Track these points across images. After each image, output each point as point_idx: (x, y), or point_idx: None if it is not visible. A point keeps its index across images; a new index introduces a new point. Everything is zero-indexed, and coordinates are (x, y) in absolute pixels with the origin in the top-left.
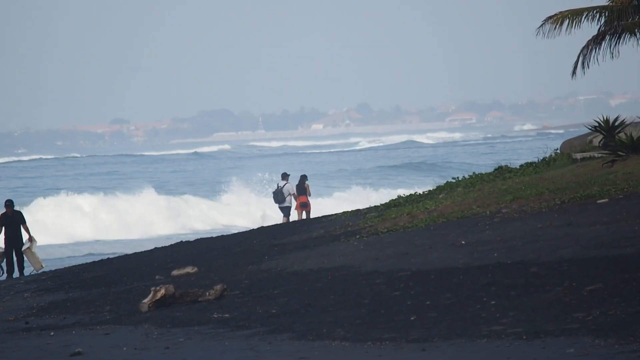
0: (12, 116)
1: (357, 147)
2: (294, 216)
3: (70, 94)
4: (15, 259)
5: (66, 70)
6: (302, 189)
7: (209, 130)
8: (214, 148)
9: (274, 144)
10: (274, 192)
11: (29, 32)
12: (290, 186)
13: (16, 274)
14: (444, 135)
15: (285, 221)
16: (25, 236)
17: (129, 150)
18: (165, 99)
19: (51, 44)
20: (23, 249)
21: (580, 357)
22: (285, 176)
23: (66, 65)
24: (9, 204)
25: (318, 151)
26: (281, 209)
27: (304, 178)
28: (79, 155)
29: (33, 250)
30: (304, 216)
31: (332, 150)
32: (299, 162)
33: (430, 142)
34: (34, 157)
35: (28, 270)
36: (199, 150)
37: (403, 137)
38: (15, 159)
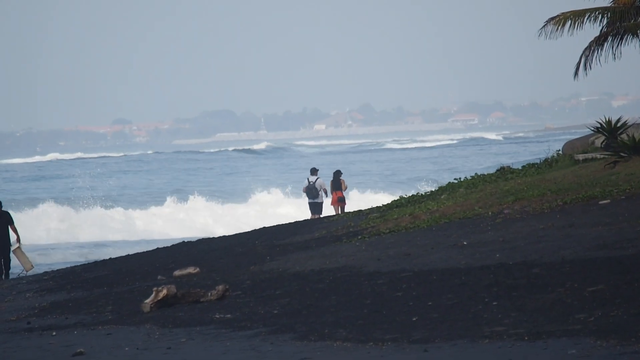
0: (14, 116)
1: (416, 145)
2: (329, 212)
3: (72, 94)
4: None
5: (68, 70)
6: (338, 184)
7: (212, 130)
8: (262, 146)
9: (313, 142)
10: (307, 188)
11: (30, 32)
12: (322, 181)
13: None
14: (506, 133)
15: (315, 217)
16: (13, 237)
17: (137, 149)
18: (167, 100)
19: (52, 44)
20: (13, 249)
21: (582, 358)
22: (314, 171)
23: (68, 65)
24: None
25: (373, 148)
26: (314, 204)
27: (338, 173)
28: (122, 153)
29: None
30: (339, 211)
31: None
32: (381, 160)
33: (499, 138)
34: (103, 154)
35: (17, 270)
36: (250, 147)
37: (453, 136)
38: (91, 155)
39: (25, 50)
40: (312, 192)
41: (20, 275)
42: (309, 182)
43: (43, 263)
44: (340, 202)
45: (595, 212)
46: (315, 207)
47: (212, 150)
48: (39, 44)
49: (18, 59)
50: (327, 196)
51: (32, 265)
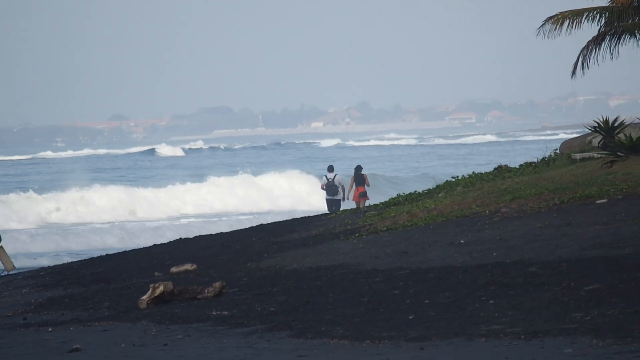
0: (11, 112)
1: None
2: (348, 206)
3: (69, 90)
4: None
5: (65, 66)
6: (361, 179)
7: (209, 127)
8: (297, 140)
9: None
10: (326, 185)
11: (27, 28)
12: (340, 178)
13: None
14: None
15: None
16: None
17: (137, 145)
18: (164, 96)
19: (49, 39)
20: None
21: (578, 357)
22: (331, 168)
23: (65, 61)
24: None
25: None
26: (332, 201)
27: (359, 168)
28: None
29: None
30: (361, 205)
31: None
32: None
33: None
34: (213, 145)
35: None
36: (315, 141)
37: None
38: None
39: (21, 45)
40: (331, 189)
41: (1, 275)
42: (327, 179)
43: None
44: (361, 197)
45: (592, 211)
46: (334, 204)
47: (299, 142)
48: (35, 39)
49: (13, 54)
50: (345, 193)
51: (13, 266)
